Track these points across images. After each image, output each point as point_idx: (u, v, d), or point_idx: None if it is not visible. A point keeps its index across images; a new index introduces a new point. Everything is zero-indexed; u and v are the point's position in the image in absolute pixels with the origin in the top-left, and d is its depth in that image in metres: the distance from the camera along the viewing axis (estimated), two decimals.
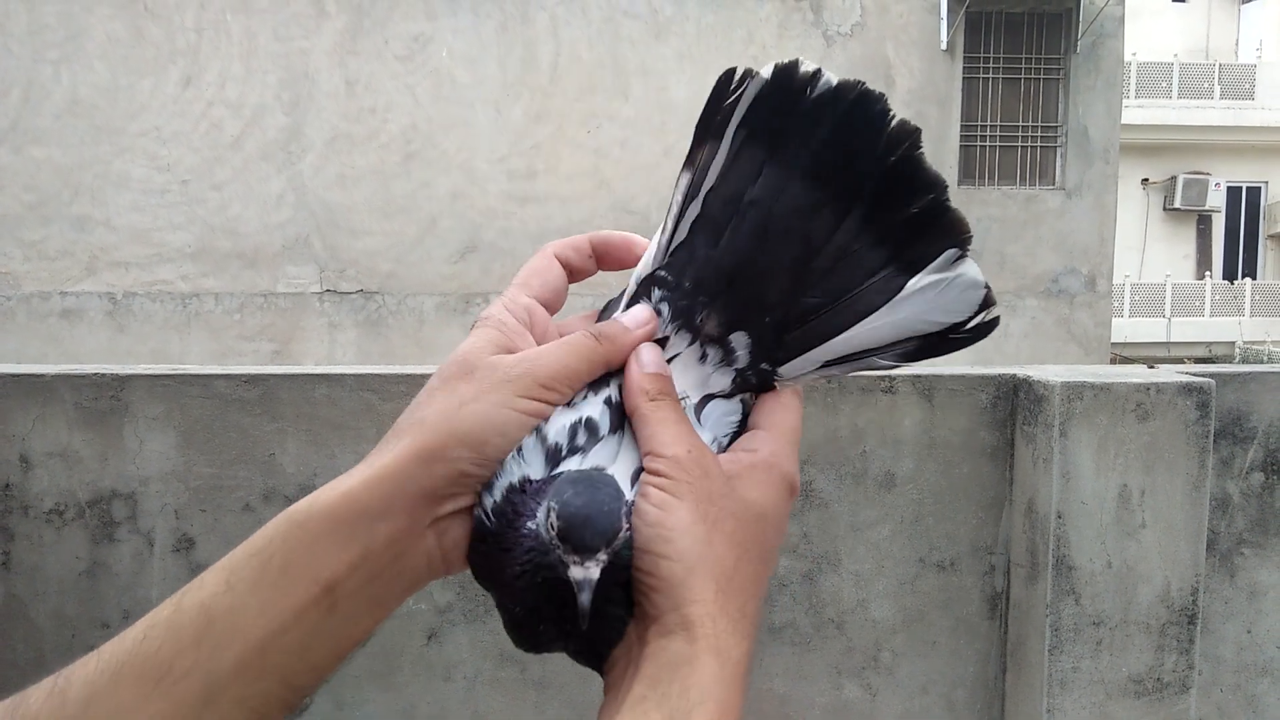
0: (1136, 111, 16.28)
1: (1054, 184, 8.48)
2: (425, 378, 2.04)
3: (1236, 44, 19.44)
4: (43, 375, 2.01)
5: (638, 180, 7.96)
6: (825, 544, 2.17)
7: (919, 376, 2.33)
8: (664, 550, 0.45)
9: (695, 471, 0.47)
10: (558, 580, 0.44)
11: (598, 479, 0.46)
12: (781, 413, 0.52)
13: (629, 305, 0.52)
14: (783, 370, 0.51)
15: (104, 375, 2.03)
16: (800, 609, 2.11)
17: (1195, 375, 2.33)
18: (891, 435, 2.27)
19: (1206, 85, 18.01)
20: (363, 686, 1.95)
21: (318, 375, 2.14)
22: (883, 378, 2.33)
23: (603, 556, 0.43)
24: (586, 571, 0.43)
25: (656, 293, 0.51)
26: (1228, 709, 2.21)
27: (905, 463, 2.26)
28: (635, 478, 0.48)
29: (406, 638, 1.97)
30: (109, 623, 1.90)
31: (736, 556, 0.47)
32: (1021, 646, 2.15)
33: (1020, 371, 2.38)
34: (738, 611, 0.46)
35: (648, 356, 0.51)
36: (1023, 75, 8.58)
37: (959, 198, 8.39)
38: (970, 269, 0.50)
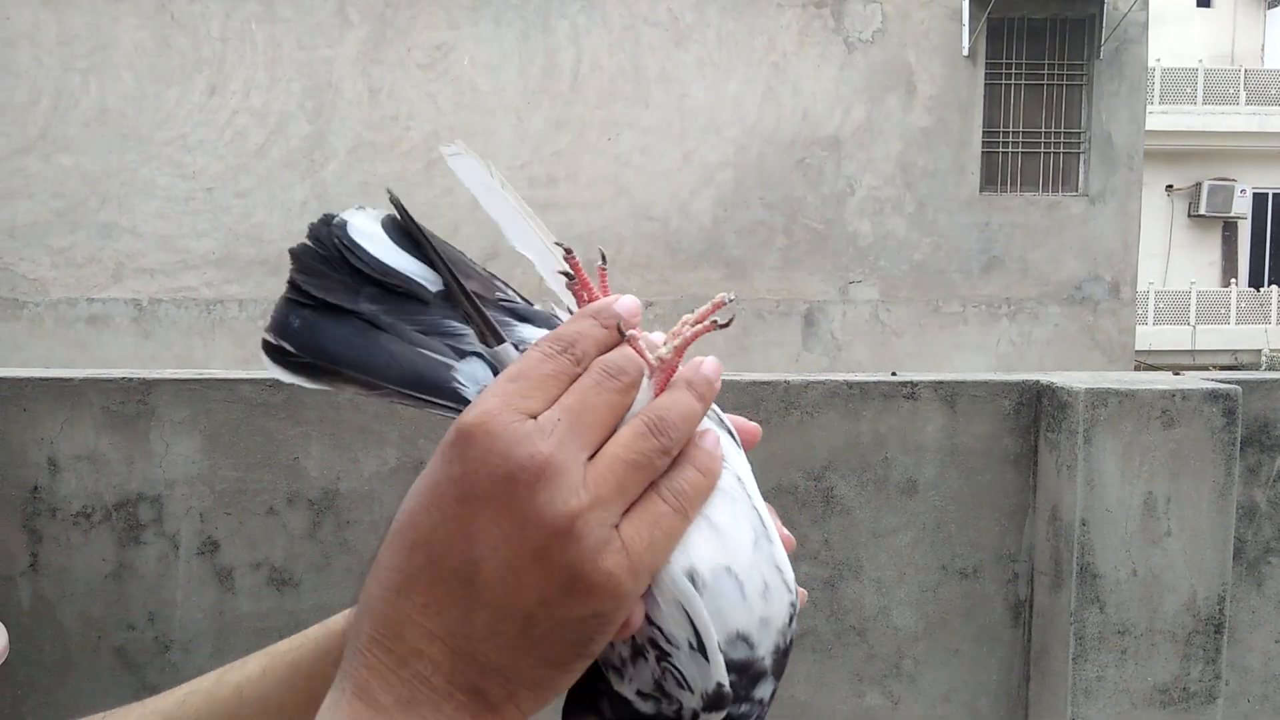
0: (1161, 118, 16.14)
1: (1077, 190, 8.42)
2: None
3: (1262, 49, 19.25)
4: (71, 379, 2.04)
5: (658, 187, 7.97)
6: (846, 550, 2.17)
7: (941, 383, 2.32)
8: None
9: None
10: None
11: None
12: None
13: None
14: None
15: (131, 379, 2.05)
16: (821, 616, 2.10)
17: (1221, 382, 2.31)
18: (914, 441, 2.26)
19: (1232, 91, 17.83)
20: None
21: None
22: (905, 383, 2.32)
23: None
24: None
25: None
26: (1255, 719, 2.19)
27: (927, 469, 2.25)
28: None
29: None
30: (134, 624, 1.92)
31: (377, 566, 0.39)
32: (1045, 655, 2.14)
33: (1044, 378, 2.37)
34: (361, 638, 0.38)
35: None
36: (1045, 81, 8.53)
37: (981, 204, 8.38)
38: None
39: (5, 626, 1.69)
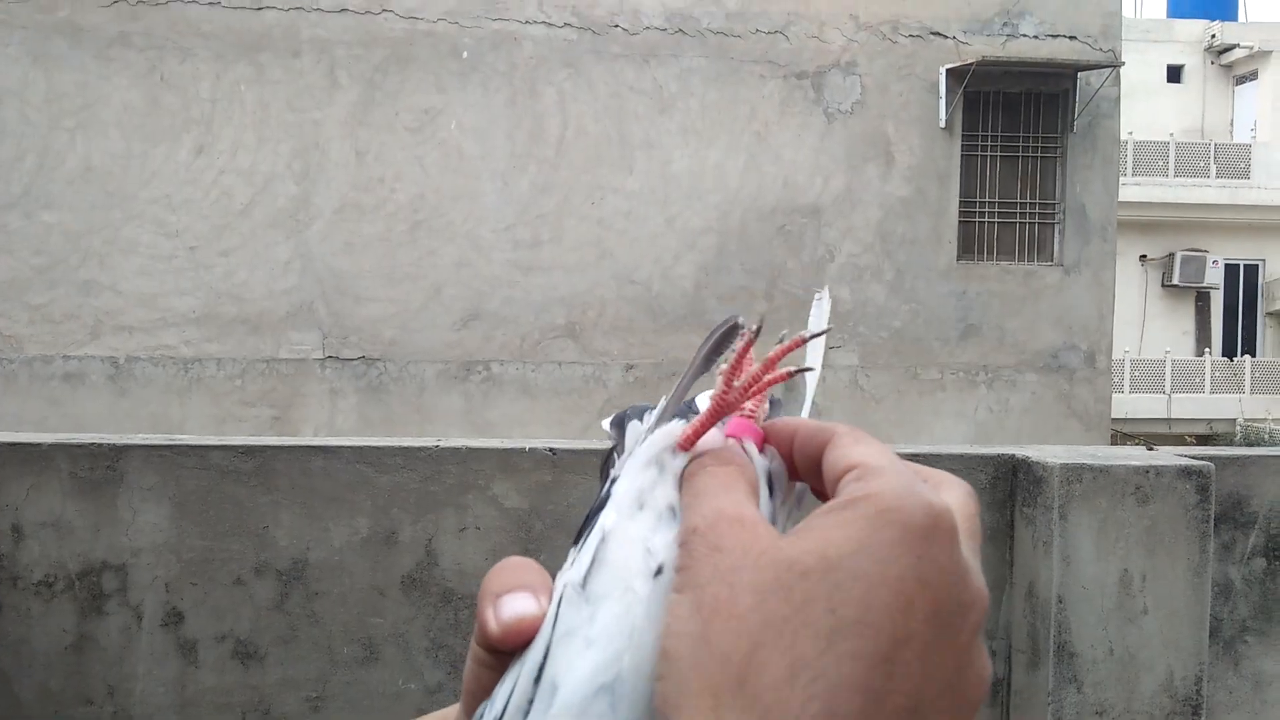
0: (1134, 189, 16.51)
1: (1052, 260, 8.56)
2: (423, 450, 2.03)
3: (1231, 124, 19.81)
4: (39, 444, 2.01)
5: (641, 250, 8.05)
6: None
7: (916, 455, 2.32)
8: (660, 671, 0.33)
9: (702, 549, 0.34)
10: None
11: None
12: (860, 443, 0.37)
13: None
14: None
15: (101, 445, 2.03)
16: None
17: (1194, 458, 2.32)
18: None
19: (1202, 164, 18.30)
20: None
21: (314, 447, 2.14)
22: None
23: None
24: None
25: None
26: None
27: None
28: None
29: (395, 718, 1.93)
30: (93, 699, 1.87)
31: (751, 645, 0.32)
32: None
33: (1019, 452, 2.38)
34: None
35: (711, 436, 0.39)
36: (1021, 153, 8.73)
37: (958, 273, 8.49)
38: None
39: None
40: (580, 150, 8.13)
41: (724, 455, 0.37)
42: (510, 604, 0.37)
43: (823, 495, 0.37)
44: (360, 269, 7.80)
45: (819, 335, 0.41)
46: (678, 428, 0.40)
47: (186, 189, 7.64)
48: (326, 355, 7.83)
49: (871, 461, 0.34)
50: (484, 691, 0.38)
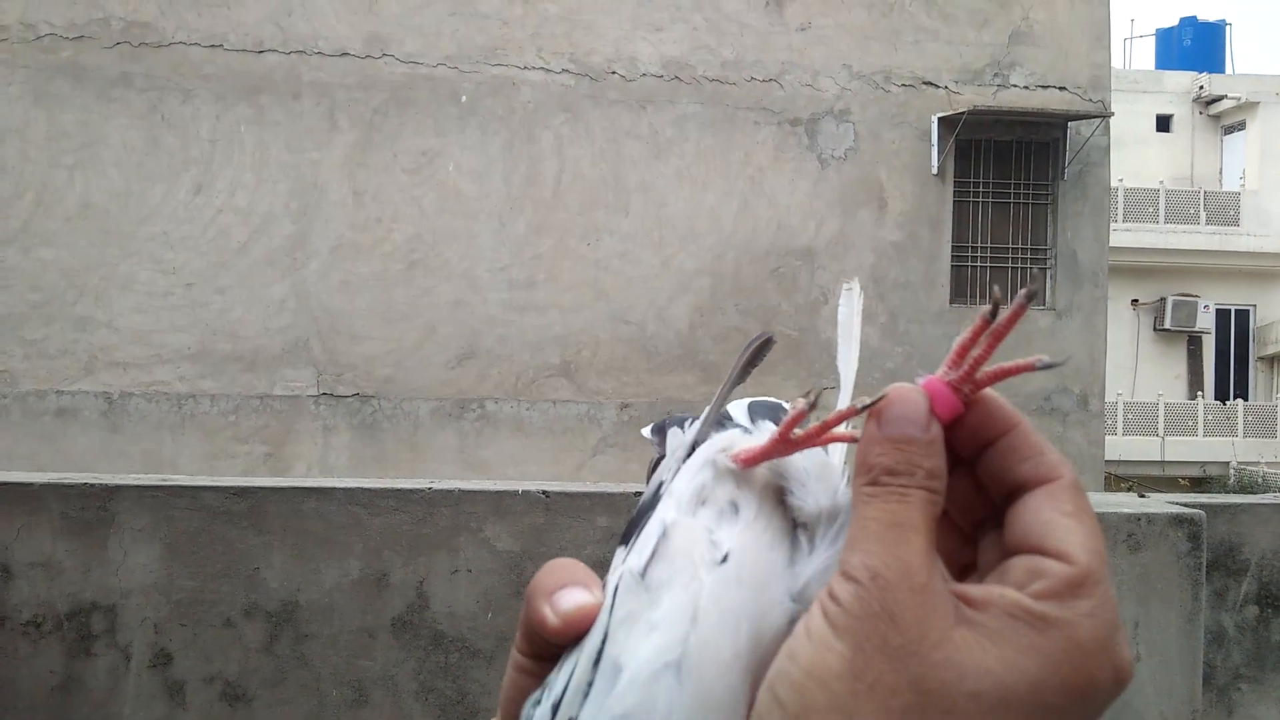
0: (1125, 235, 16.68)
1: (1044, 305, 8.62)
2: (415, 492, 2.04)
3: (1220, 172, 20.07)
4: (31, 484, 2.01)
5: (636, 291, 8.09)
6: None
7: None
8: (783, 694, 0.32)
9: (872, 607, 0.31)
10: None
11: None
12: (1076, 517, 0.33)
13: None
14: None
15: (93, 485, 2.03)
16: None
17: (1186, 506, 2.33)
18: None
19: (1192, 211, 18.51)
20: None
21: (307, 489, 2.14)
22: None
23: None
24: None
25: None
26: None
27: None
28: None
29: None
30: None
31: None
32: None
33: None
34: None
35: (895, 411, 0.36)
36: (1012, 200, 8.83)
37: (951, 316, 8.53)
38: None
39: None
40: (576, 193, 8.20)
41: (917, 474, 0.34)
42: (568, 597, 0.38)
43: (964, 461, 0.35)
44: (356, 307, 7.82)
45: (873, 404, 0.38)
46: (737, 438, 0.43)
47: (184, 227, 7.69)
48: (321, 392, 7.82)
49: (1085, 563, 0.31)
50: (525, 696, 0.39)
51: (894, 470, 0.35)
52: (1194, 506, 2.31)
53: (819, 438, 0.40)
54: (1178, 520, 2.29)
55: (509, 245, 8.05)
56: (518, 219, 8.09)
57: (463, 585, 2.10)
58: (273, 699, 1.91)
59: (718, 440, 0.43)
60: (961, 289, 8.57)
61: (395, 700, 1.95)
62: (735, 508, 0.39)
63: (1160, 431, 17.04)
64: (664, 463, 0.45)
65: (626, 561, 0.38)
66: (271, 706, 1.90)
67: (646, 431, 0.51)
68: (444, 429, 7.87)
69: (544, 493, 2.21)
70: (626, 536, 0.41)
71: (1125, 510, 2.32)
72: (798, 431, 0.41)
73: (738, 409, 0.47)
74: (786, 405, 0.46)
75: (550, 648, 0.38)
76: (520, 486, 2.23)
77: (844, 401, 0.44)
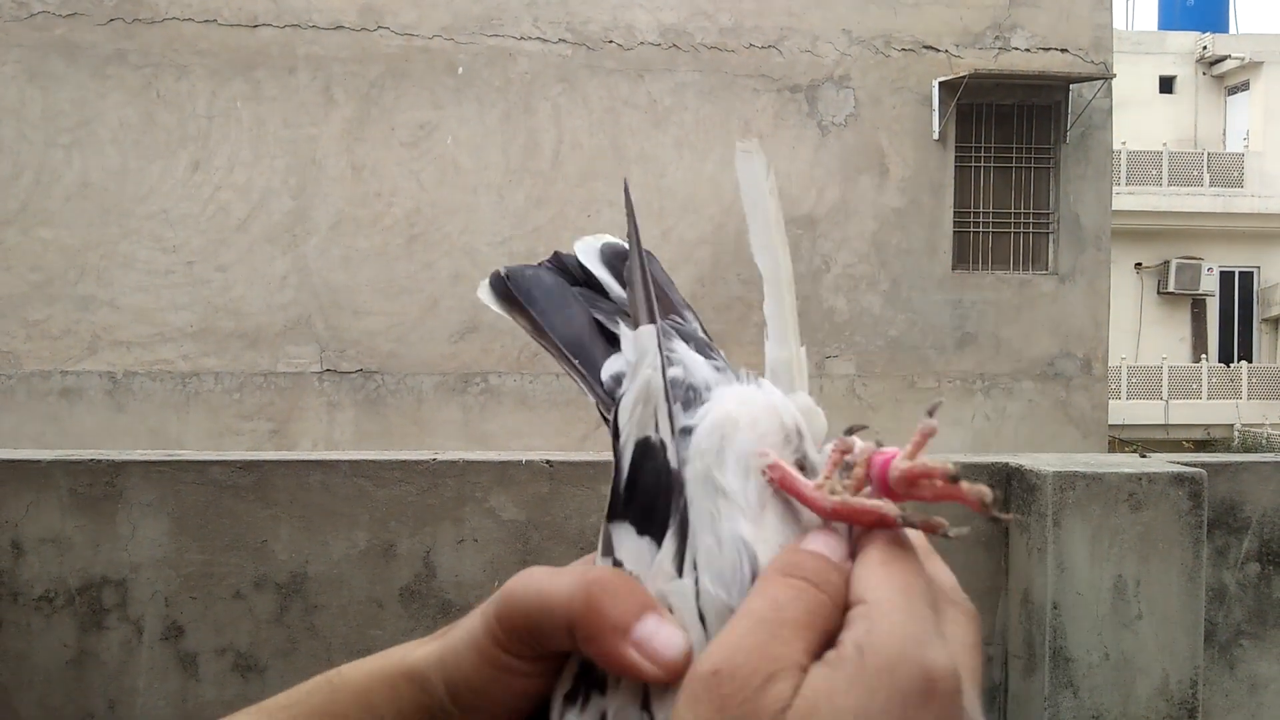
0: (1128, 198, 16.58)
1: (1047, 269, 8.59)
2: (420, 464, 2.05)
3: (1224, 133, 19.91)
4: (38, 461, 2.02)
5: None
6: None
7: None
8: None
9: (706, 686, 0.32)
10: None
11: None
12: (881, 566, 0.34)
13: None
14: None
15: (100, 461, 2.04)
16: None
17: (1187, 465, 2.34)
18: None
19: (1196, 173, 18.38)
20: None
21: (313, 461, 2.15)
22: None
23: None
24: None
25: None
26: None
27: None
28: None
29: None
30: (94, 713, 1.87)
31: None
32: None
33: (1013, 460, 2.39)
34: None
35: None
36: (1014, 164, 8.77)
37: (954, 282, 8.53)
38: None
39: None
40: (575, 164, 8.16)
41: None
42: (660, 637, 0.34)
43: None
44: (357, 282, 7.82)
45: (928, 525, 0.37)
46: (769, 431, 0.38)
47: (183, 205, 7.67)
48: (324, 369, 7.84)
49: (874, 598, 0.33)
50: (509, 692, 0.38)
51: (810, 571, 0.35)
52: (1195, 465, 2.32)
53: (853, 516, 0.36)
54: (1179, 479, 2.30)
55: (509, 218, 8.02)
56: (517, 191, 8.05)
57: (469, 554, 2.11)
58: (285, 669, 1.93)
59: (745, 430, 0.38)
60: (964, 254, 8.54)
61: None
62: (796, 515, 0.37)
63: (1164, 395, 17.03)
64: (636, 394, 0.40)
65: (703, 581, 0.35)
66: (284, 676, 1.93)
67: (485, 292, 0.49)
68: (448, 403, 7.89)
69: (548, 462, 2.22)
70: (637, 512, 0.38)
71: (1126, 470, 2.33)
72: (838, 491, 0.36)
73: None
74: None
75: (560, 655, 0.36)
76: (524, 457, 2.25)
77: (771, 309, 0.43)
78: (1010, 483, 2.36)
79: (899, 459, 0.37)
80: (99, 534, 1.95)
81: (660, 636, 0.34)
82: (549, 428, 7.86)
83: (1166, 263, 18.08)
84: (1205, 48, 19.38)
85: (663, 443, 0.38)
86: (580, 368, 0.44)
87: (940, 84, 8.37)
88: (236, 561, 1.99)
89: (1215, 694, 2.24)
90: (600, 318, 0.46)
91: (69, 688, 1.88)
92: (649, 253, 0.46)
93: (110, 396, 7.68)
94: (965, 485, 0.35)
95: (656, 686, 0.34)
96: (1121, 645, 2.13)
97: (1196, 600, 2.21)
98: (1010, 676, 2.19)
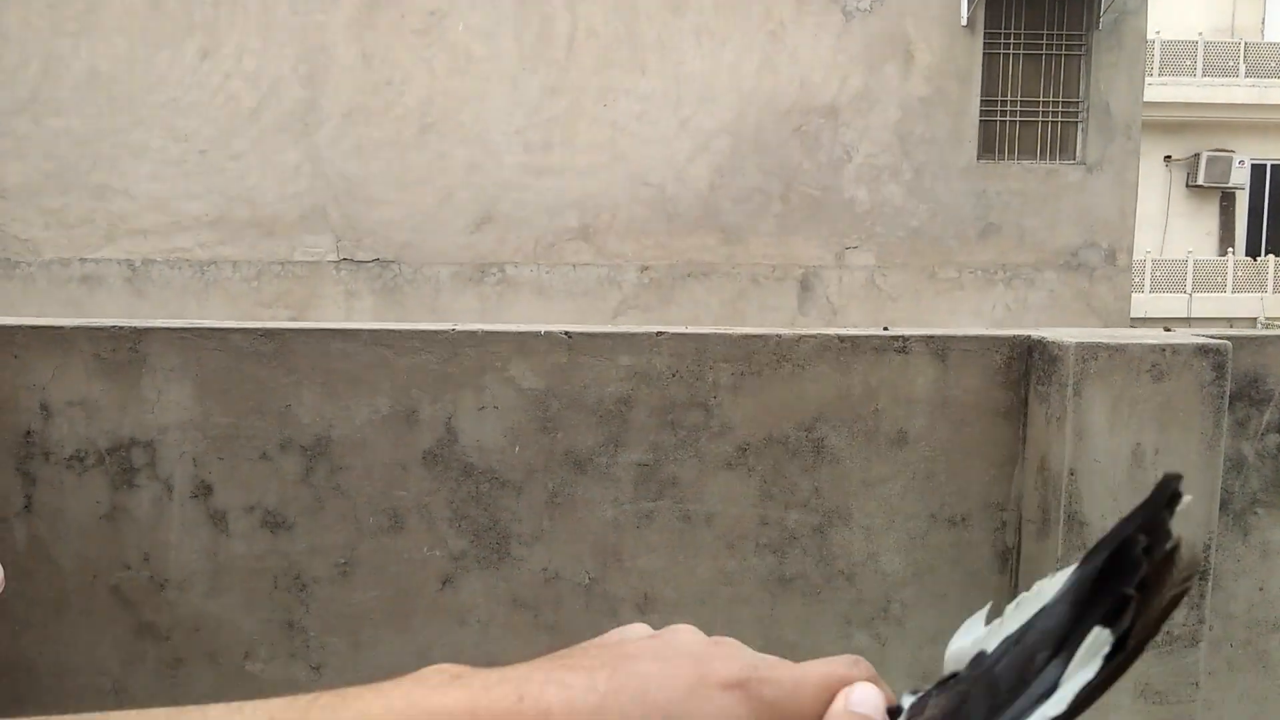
0: (1160, 89, 16.08)
1: (1075, 159, 8.39)
2: (439, 334, 2.06)
3: (1263, 23, 19.11)
4: (62, 327, 2.04)
5: (654, 152, 7.93)
6: (836, 499, 2.18)
7: (932, 337, 2.33)
8: None
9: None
10: None
11: None
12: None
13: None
14: None
15: (121, 328, 2.06)
16: (810, 561, 2.12)
17: (1212, 338, 2.32)
18: (904, 394, 2.27)
19: (1231, 63, 17.74)
20: (378, 628, 1.98)
21: (333, 330, 2.16)
22: (896, 338, 2.33)
23: None
24: None
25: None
26: (1237, 663, 2.21)
27: (918, 421, 2.26)
28: None
29: (421, 583, 1.99)
30: (129, 564, 1.93)
31: None
32: None
33: (1034, 333, 2.38)
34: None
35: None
36: (1044, 51, 8.47)
37: (978, 172, 8.35)
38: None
39: (2, 564, 1.70)
40: (590, 52, 7.95)
41: None
42: None
43: None
44: (371, 172, 7.74)
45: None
46: None
47: (193, 93, 7.55)
48: (341, 258, 7.83)
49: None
50: None
51: None
52: (1220, 338, 2.30)
53: None
54: (1202, 350, 2.28)
55: (523, 107, 7.86)
56: (530, 80, 7.87)
57: (490, 420, 2.14)
58: (312, 525, 1.97)
59: None
60: (990, 144, 8.33)
61: (430, 526, 2.01)
62: None
63: (1188, 289, 16.83)
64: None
65: None
66: (312, 532, 1.97)
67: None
68: (465, 293, 7.89)
69: (566, 334, 2.22)
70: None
71: (1150, 342, 2.31)
72: None
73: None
74: None
75: None
76: (542, 328, 2.25)
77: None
78: (1031, 355, 2.35)
79: None
80: (125, 398, 1.98)
81: None
82: (566, 317, 7.87)
83: (1197, 155, 17.62)
84: None
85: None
86: None
87: None
88: (261, 425, 2.01)
89: (1227, 559, 2.27)
90: None
91: (104, 541, 1.94)
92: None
93: (129, 284, 7.72)
94: None
95: None
96: None
97: (1214, 469, 2.22)
98: (1024, 540, 2.22)
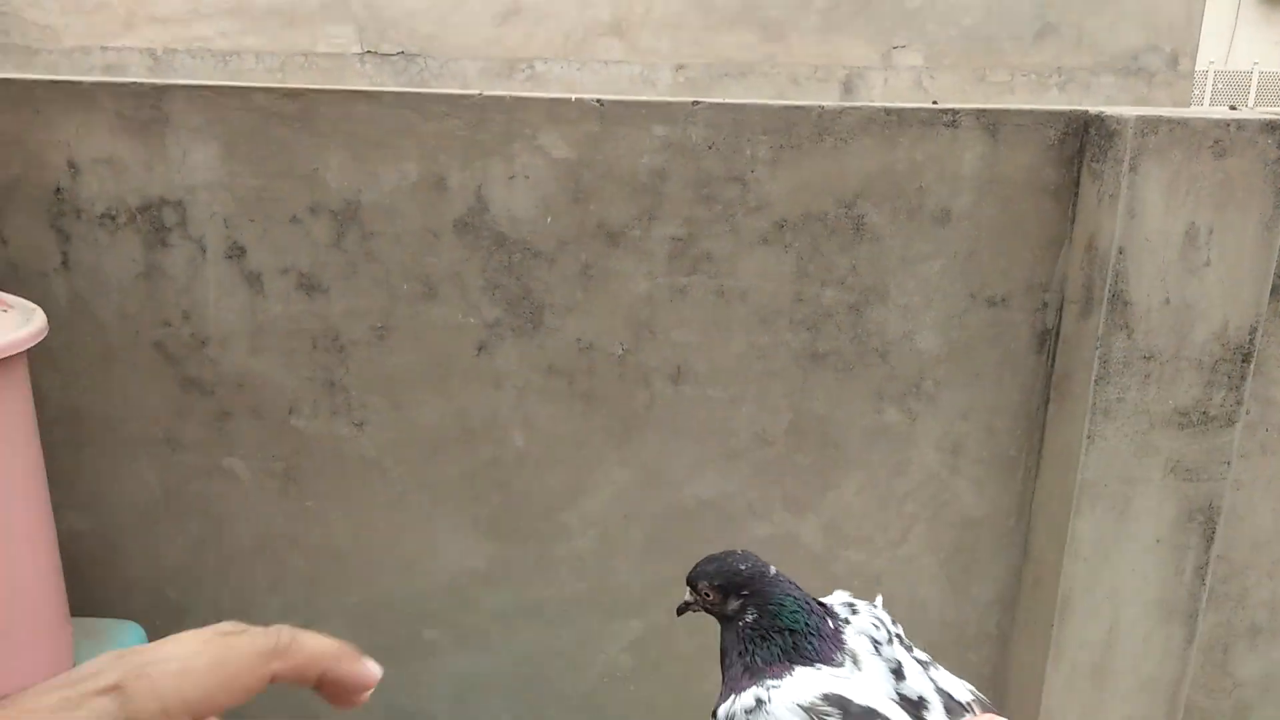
0: None
1: None
2: (466, 98, 1.95)
3: None
4: (81, 83, 1.98)
5: None
6: (874, 276, 2.14)
7: (984, 111, 2.21)
8: None
9: None
10: None
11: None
12: None
13: None
14: None
15: (143, 85, 1.99)
16: (845, 338, 2.10)
17: None
18: (951, 170, 2.18)
19: None
20: (419, 391, 2.02)
21: (358, 92, 2.09)
22: (945, 111, 2.22)
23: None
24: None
25: None
26: (1271, 446, 2.21)
27: (963, 198, 2.19)
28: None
29: (458, 349, 2.01)
30: (170, 321, 1.96)
31: None
32: (1067, 379, 2.15)
33: (1092, 108, 2.25)
34: None
35: None
36: None
37: None
38: None
39: (46, 314, 1.72)
40: None
41: None
42: None
43: None
44: None
45: None
46: None
47: None
48: (365, 50, 7.57)
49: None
50: None
51: None
52: None
53: None
54: (1270, 126, 2.16)
55: None
56: None
57: (521, 190, 2.09)
58: (347, 289, 1.98)
59: None
60: None
61: (464, 294, 2.01)
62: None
63: (1250, 102, 16.01)
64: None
65: None
66: (347, 295, 1.98)
67: None
68: (493, 89, 7.65)
69: (599, 101, 2.13)
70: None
71: (1214, 117, 2.18)
72: None
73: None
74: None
75: None
76: (574, 96, 2.16)
77: None
78: (1088, 130, 2.24)
79: None
80: (150, 156, 1.95)
81: None
82: None
83: None
84: None
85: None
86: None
87: None
88: (290, 188, 1.98)
89: (1273, 344, 2.23)
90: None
91: (143, 298, 1.96)
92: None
93: (152, 73, 7.55)
94: None
95: None
96: (1185, 291, 2.09)
97: (1269, 250, 2.14)
98: (1064, 321, 2.18)
